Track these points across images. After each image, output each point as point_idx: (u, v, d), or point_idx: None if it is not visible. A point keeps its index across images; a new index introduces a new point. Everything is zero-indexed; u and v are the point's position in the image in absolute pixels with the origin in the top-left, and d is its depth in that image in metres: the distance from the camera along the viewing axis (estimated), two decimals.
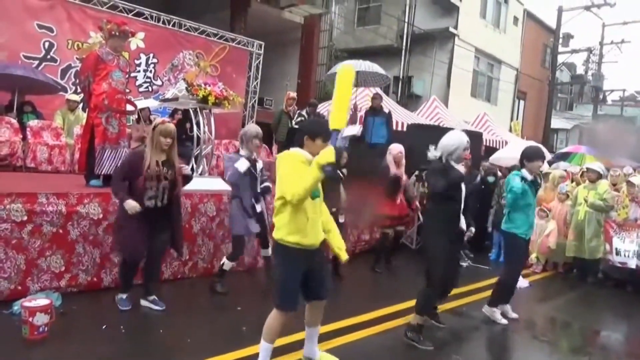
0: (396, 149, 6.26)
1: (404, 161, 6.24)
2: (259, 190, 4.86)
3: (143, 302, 4.22)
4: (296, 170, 2.84)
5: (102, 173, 5.05)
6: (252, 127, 4.89)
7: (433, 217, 4.08)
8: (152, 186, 3.92)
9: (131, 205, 3.79)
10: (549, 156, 12.24)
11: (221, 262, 4.91)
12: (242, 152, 4.76)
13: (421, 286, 4.00)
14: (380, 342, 3.97)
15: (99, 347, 3.44)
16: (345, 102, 2.91)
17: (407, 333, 3.96)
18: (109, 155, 5.03)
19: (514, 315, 4.87)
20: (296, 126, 7.78)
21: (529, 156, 4.63)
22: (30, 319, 3.38)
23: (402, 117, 11.59)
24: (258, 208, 4.83)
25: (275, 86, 14.01)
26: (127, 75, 5.32)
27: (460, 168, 4.04)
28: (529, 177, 4.59)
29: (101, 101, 4.98)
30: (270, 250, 5.09)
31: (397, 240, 6.92)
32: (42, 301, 3.54)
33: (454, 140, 3.94)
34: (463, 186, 3.99)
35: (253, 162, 4.76)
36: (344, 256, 3.20)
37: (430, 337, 3.99)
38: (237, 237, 4.81)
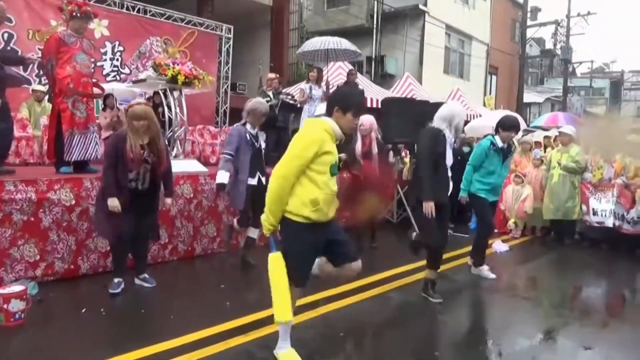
0: (360, 121, 5.67)
1: (373, 134, 5.64)
2: (264, 163, 4.84)
3: (136, 281, 4.30)
4: (301, 153, 2.65)
5: (72, 159, 4.89)
6: (263, 106, 4.79)
7: (424, 183, 4.01)
8: (133, 168, 3.91)
9: (113, 204, 3.82)
10: (523, 125, 12.45)
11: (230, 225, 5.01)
12: (248, 125, 4.72)
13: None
14: (366, 307, 4.00)
15: (78, 330, 3.37)
16: (284, 291, 2.71)
17: (424, 287, 4.22)
18: (79, 141, 4.88)
19: (493, 275, 5.01)
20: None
21: (504, 125, 4.83)
22: (5, 306, 3.28)
23: (377, 95, 11.58)
24: (262, 181, 4.75)
25: (247, 71, 13.83)
26: (92, 59, 5.15)
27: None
28: (500, 144, 4.81)
29: (66, 85, 4.79)
30: (257, 232, 5.01)
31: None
32: (16, 288, 3.44)
33: (453, 109, 4.07)
34: (449, 152, 4.04)
35: (256, 135, 4.77)
36: None
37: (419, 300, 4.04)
38: (240, 210, 4.81)
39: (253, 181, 4.73)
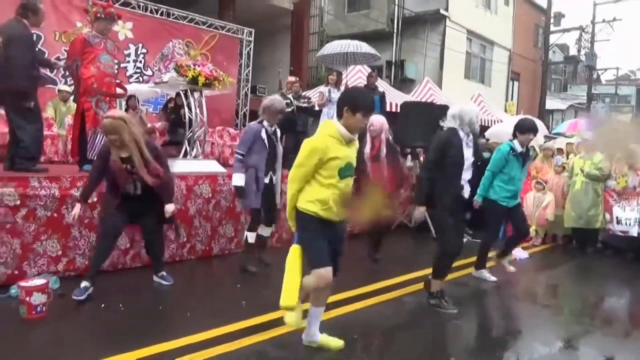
0: (370, 121, 4.96)
1: (383, 135, 5.32)
2: (278, 163, 4.81)
3: (155, 279, 4.35)
4: (305, 161, 2.75)
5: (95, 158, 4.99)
6: (279, 102, 4.75)
7: (421, 186, 4.11)
8: (119, 178, 3.94)
9: (73, 212, 3.93)
10: (545, 132, 12.27)
11: (244, 237, 4.91)
12: (265, 123, 4.67)
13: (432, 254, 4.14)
14: (381, 310, 3.97)
15: (96, 325, 3.43)
16: (294, 278, 2.87)
17: (430, 300, 4.05)
18: (101, 139, 4.97)
19: (493, 278, 5.01)
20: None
21: (521, 128, 4.81)
22: (27, 299, 3.35)
23: (396, 99, 11.55)
24: (273, 180, 4.76)
25: (267, 74, 13.94)
26: (115, 59, 5.25)
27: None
28: (519, 149, 4.79)
29: (90, 85, 4.91)
30: (269, 230, 5.04)
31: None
32: (38, 281, 3.52)
33: (461, 107, 4.05)
34: (467, 151, 3.98)
35: (273, 135, 4.73)
36: None
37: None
38: (252, 210, 4.78)
39: (266, 179, 4.69)
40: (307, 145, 2.77)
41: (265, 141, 4.63)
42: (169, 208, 4.13)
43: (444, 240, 4.04)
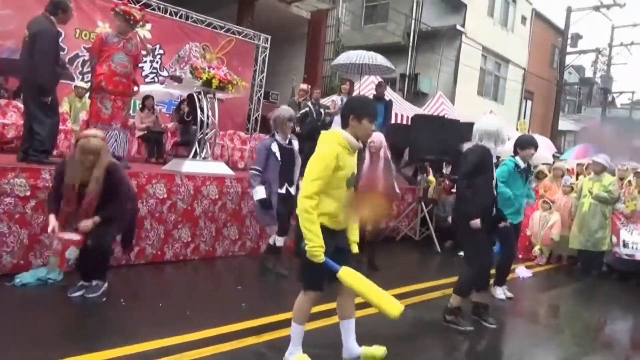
0: (370, 138, 5.10)
1: (382, 152, 5.40)
2: (295, 174, 4.83)
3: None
4: (319, 173, 2.66)
5: None
6: (285, 111, 4.80)
7: (468, 200, 3.89)
8: (68, 198, 3.60)
9: (50, 226, 3.58)
10: (553, 150, 12.21)
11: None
12: (277, 136, 4.72)
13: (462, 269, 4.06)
14: (380, 320, 3.89)
15: (97, 317, 3.48)
16: (377, 292, 2.73)
17: (446, 316, 3.95)
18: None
19: (507, 295, 4.97)
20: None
21: (521, 144, 4.83)
22: (63, 251, 3.47)
23: (407, 112, 11.58)
24: (292, 191, 4.78)
25: (281, 80, 14.04)
26: (134, 59, 5.34)
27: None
28: (522, 164, 4.78)
29: (98, 82, 5.08)
30: (283, 240, 4.91)
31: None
32: (74, 236, 3.56)
33: (494, 123, 3.97)
34: (495, 172, 3.98)
35: (288, 146, 4.75)
36: (354, 249, 3.03)
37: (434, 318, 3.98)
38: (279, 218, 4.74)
39: (281, 190, 4.73)
40: (321, 158, 2.70)
41: (277, 154, 4.65)
42: (85, 223, 3.59)
43: (478, 260, 3.89)
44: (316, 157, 2.72)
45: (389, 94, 11.66)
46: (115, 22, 5.20)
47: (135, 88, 5.42)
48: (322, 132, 2.86)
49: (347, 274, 2.72)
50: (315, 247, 2.63)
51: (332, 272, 2.71)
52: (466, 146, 4.02)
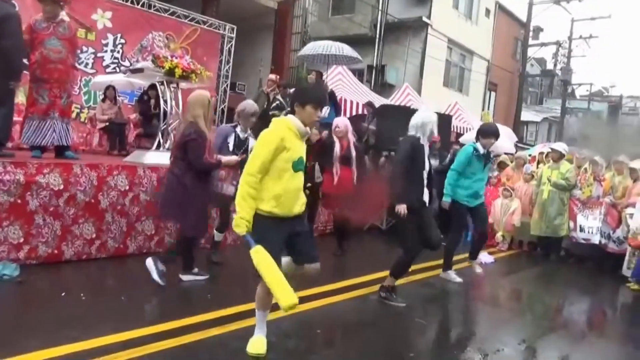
0: (334, 123, 5.64)
1: (350, 136, 5.57)
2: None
3: None
4: (262, 151, 2.77)
5: (28, 144, 4.95)
6: (251, 106, 4.77)
7: (395, 186, 4.15)
8: None
9: None
10: (514, 139, 12.57)
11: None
12: (238, 127, 4.68)
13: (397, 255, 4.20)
14: (346, 307, 4.01)
15: (55, 312, 3.37)
16: (279, 277, 2.73)
17: (381, 293, 4.18)
18: (37, 126, 4.88)
19: (459, 279, 5.11)
20: (271, 112, 7.55)
21: (483, 132, 5.11)
22: None
23: (376, 102, 11.63)
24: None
25: (248, 71, 13.87)
26: (69, 43, 5.00)
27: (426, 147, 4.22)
28: (482, 150, 5.04)
29: (32, 71, 4.83)
30: (221, 236, 4.95)
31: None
32: None
33: (423, 116, 4.22)
34: (426, 159, 4.17)
35: (243, 138, 4.69)
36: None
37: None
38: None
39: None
40: (263, 137, 2.84)
41: (231, 145, 4.57)
42: None
43: (407, 246, 4.12)
44: (260, 138, 2.86)
45: (356, 84, 11.75)
46: (42, 7, 4.84)
47: (73, 74, 5.16)
48: (274, 118, 2.97)
49: (258, 254, 2.76)
50: (240, 218, 2.76)
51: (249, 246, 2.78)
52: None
